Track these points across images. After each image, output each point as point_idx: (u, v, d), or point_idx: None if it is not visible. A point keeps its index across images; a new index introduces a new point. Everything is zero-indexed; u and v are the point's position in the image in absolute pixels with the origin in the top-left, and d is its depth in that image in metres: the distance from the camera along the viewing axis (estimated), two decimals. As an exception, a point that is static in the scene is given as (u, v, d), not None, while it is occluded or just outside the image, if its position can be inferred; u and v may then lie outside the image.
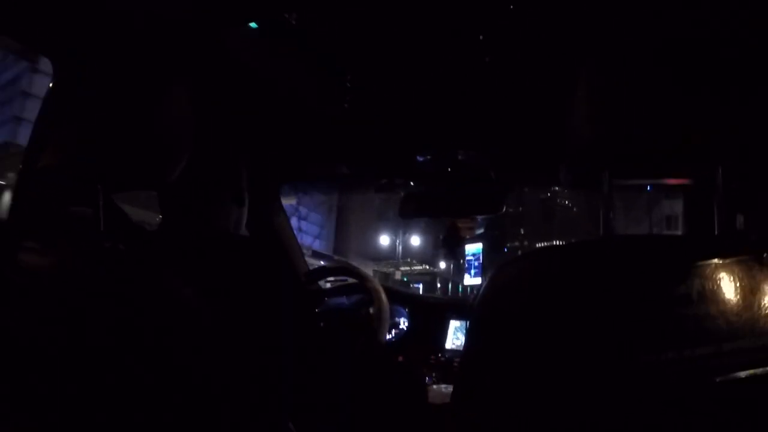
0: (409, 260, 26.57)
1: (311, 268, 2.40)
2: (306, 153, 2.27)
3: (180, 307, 1.08)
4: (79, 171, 1.13)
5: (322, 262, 15.31)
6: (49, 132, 1.18)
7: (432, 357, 2.23)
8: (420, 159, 2.16)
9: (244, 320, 1.15)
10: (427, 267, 26.90)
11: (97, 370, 0.95)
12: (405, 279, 25.03)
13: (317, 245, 22.47)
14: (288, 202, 2.73)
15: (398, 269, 24.80)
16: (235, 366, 1.10)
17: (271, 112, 1.85)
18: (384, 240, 25.57)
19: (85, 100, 1.17)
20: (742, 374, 0.65)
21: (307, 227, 22.00)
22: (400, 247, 25.09)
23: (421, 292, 18.19)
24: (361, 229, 24.80)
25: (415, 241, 25.69)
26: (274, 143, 2.10)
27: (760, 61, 1.14)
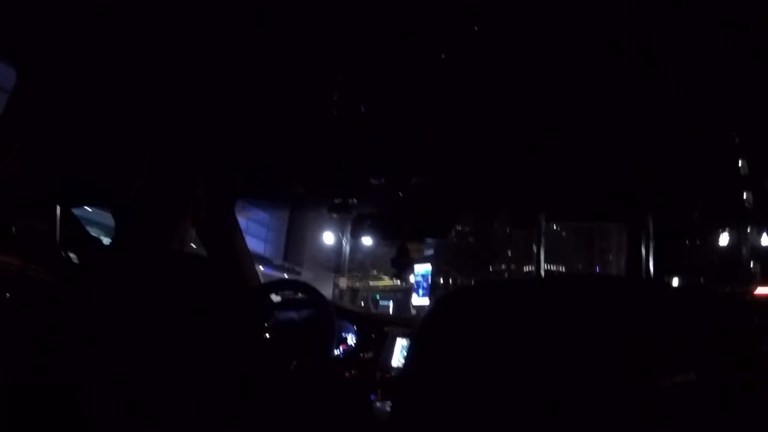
0: (374, 273, 21.91)
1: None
2: (262, 171, 2.30)
3: (123, 321, 1.11)
4: (37, 185, 1.15)
5: (262, 268, 13.95)
6: (8, 142, 1.18)
7: (378, 374, 2.28)
8: (374, 182, 2.23)
9: (191, 335, 1.17)
10: (397, 281, 21.61)
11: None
12: (377, 297, 21.10)
13: (261, 249, 18.20)
14: (241, 216, 2.74)
15: (343, 278, 19.81)
16: (179, 379, 1.13)
17: (228, 131, 1.87)
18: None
19: (45, 111, 1.18)
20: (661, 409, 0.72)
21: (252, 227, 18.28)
22: (347, 249, 19.75)
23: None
24: (317, 232, 19.38)
25: (380, 250, 18.03)
26: (230, 161, 2.11)
27: (687, 116, 1.24)
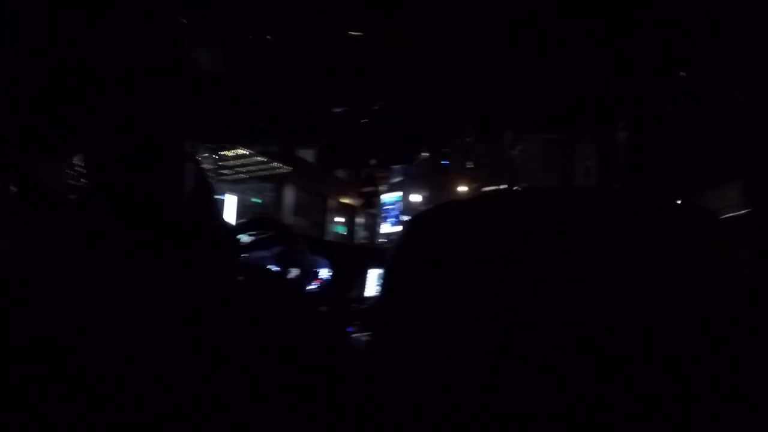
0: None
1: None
2: (222, 111, 2.22)
3: (89, 276, 1.06)
4: None
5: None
6: None
7: (354, 305, 2.28)
8: (336, 110, 2.16)
9: (168, 286, 1.14)
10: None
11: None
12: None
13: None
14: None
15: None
16: (151, 331, 1.10)
17: (184, 74, 1.78)
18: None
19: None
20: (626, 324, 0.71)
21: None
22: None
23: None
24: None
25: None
26: (191, 103, 2.02)
27: (659, 24, 1.19)
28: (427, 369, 0.75)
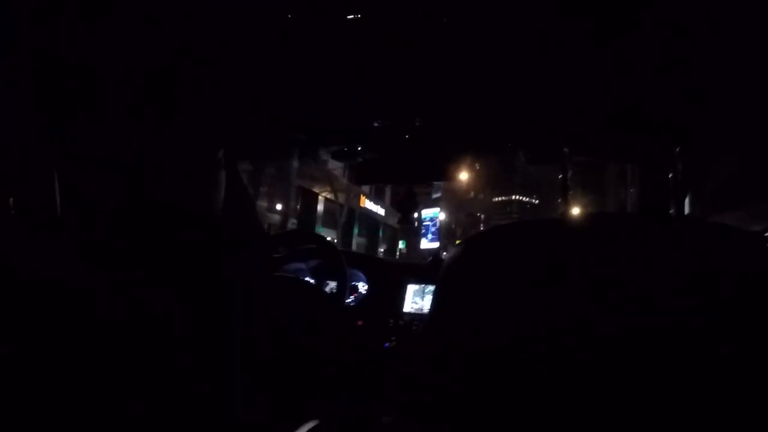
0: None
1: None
2: (262, 121, 2.24)
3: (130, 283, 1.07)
4: (31, 149, 1.09)
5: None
6: None
7: (391, 321, 2.26)
8: (377, 125, 2.16)
9: (201, 293, 1.15)
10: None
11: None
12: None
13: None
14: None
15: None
16: (191, 340, 1.10)
17: (226, 81, 1.80)
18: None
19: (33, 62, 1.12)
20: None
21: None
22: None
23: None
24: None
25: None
26: (229, 113, 2.05)
27: (718, 51, 1.16)
28: (478, 393, 0.74)
